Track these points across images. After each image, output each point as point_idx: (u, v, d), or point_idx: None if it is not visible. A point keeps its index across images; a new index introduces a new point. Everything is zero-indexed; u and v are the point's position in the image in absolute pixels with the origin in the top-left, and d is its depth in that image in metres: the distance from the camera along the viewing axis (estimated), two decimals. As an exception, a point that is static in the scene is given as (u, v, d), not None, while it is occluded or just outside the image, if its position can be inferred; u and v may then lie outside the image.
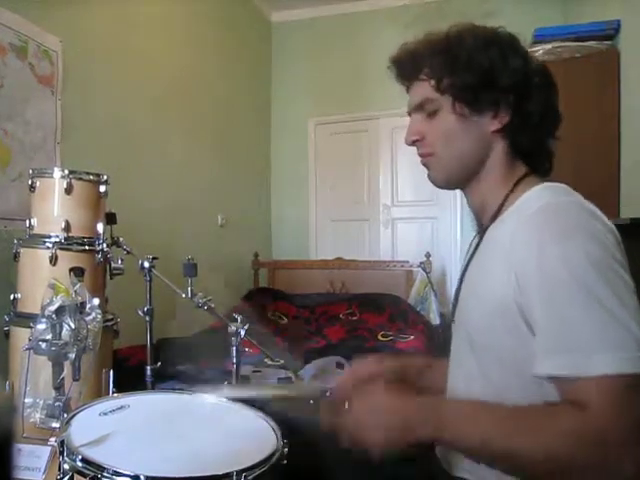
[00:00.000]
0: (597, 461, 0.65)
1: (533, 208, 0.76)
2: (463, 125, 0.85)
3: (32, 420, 1.12)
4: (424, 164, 0.91)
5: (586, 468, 0.65)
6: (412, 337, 2.73)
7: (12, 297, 1.47)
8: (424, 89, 0.87)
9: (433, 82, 0.85)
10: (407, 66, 0.89)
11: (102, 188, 1.54)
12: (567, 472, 0.67)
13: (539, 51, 2.48)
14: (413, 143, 0.90)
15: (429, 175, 0.92)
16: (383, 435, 0.76)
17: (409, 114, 0.92)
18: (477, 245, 0.90)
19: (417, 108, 0.89)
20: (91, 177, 1.52)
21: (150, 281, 1.58)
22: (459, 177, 0.90)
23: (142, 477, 0.73)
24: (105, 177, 1.55)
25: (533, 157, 0.89)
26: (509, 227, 0.79)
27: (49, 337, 1.12)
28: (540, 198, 0.78)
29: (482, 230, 0.90)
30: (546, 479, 0.70)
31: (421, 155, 0.91)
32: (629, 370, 0.65)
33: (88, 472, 0.75)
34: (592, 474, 0.66)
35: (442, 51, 0.84)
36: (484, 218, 0.90)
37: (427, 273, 3.40)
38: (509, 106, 0.83)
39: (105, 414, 0.95)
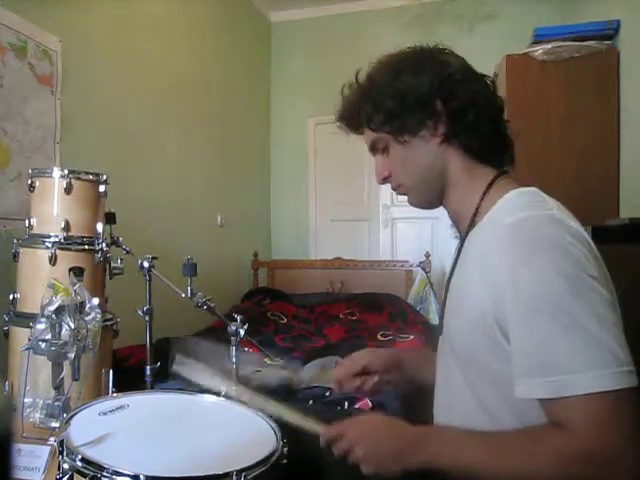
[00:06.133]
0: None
1: (504, 222, 0.76)
2: (411, 150, 0.88)
3: (31, 420, 1.12)
4: (400, 194, 0.95)
5: None
6: (412, 337, 2.72)
7: (11, 297, 1.47)
8: (368, 133, 0.93)
9: (367, 124, 0.91)
10: (349, 119, 0.96)
11: (101, 188, 1.54)
12: None
13: (539, 51, 2.48)
14: (384, 181, 0.94)
15: (408, 200, 0.96)
16: (376, 457, 0.78)
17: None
18: (458, 253, 0.91)
19: (372, 150, 0.95)
20: (90, 177, 1.51)
21: (150, 281, 1.58)
22: (431, 196, 0.93)
23: (142, 477, 0.73)
24: (104, 177, 1.55)
25: (490, 151, 0.88)
26: (484, 238, 0.79)
27: (48, 337, 1.12)
28: (512, 210, 0.77)
29: (462, 237, 0.90)
30: None
31: (394, 189, 0.95)
32: (609, 387, 0.65)
33: (88, 472, 0.75)
34: None
35: (362, 95, 0.91)
36: (461, 226, 0.91)
37: (427, 273, 3.40)
38: (440, 115, 0.85)
39: (104, 414, 0.95)
